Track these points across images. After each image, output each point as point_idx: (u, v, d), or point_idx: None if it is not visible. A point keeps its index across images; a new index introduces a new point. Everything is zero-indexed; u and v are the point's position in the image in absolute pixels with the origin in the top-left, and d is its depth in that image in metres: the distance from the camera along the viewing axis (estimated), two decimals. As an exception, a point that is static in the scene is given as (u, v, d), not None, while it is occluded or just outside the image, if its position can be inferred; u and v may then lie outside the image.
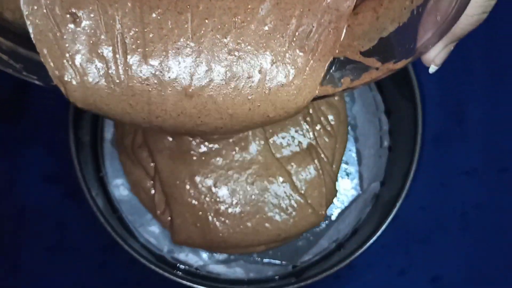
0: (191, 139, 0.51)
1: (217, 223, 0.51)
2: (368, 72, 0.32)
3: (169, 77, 0.30)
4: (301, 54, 0.31)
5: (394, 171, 0.51)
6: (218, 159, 0.51)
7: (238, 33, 0.31)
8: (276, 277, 0.51)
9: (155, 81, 0.30)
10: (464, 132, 0.54)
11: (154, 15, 0.30)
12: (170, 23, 0.30)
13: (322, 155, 0.52)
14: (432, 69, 0.31)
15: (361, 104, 0.53)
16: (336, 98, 0.53)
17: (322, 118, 0.53)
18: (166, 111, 0.31)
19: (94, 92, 0.30)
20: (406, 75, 0.48)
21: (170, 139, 0.51)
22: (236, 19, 0.30)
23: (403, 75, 0.48)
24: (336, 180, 0.52)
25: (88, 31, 0.29)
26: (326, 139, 0.52)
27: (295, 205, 0.51)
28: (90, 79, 0.30)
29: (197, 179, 0.51)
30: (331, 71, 0.32)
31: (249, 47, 0.31)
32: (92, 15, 0.29)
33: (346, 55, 0.32)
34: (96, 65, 0.30)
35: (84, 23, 0.29)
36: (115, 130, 0.52)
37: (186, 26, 0.30)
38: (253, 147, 0.52)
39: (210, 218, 0.50)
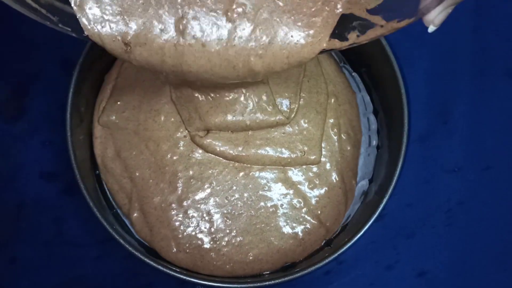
0: (174, 157, 0.48)
1: (212, 253, 0.48)
2: (373, 29, 0.34)
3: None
4: (315, 19, 0.34)
5: (382, 169, 0.52)
6: (211, 184, 0.48)
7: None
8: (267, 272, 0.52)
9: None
10: (449, 131, 0.55)
11: None
12: None
13: (348, 169, 0.51)
14: (431, 29, 0.34)
15: (351, 104, 0.55)
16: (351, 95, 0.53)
17: (348, 127, 0.52)
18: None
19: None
20: (393, 76, 0.49)
21: (149, 154, 0.49)
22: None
23: (390, 76, 0.50)
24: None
25: None
26: (349, 149, 0.51)
27: (309, 230, 0.49)
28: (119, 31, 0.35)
29: (186, 203, 0.49)
30: (339, 26, 0.35)
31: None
32: None
33: (353, 12, 0.34)
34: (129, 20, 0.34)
35: None
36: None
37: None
38: (265, 172, 0.49)
39: (203, 246, 0.48)
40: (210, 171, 0.49)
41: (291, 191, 0.50)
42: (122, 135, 0.50)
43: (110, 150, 0.50)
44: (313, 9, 0.35)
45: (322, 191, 0.50)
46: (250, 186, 0.49)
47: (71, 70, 0.47)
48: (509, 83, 0.56)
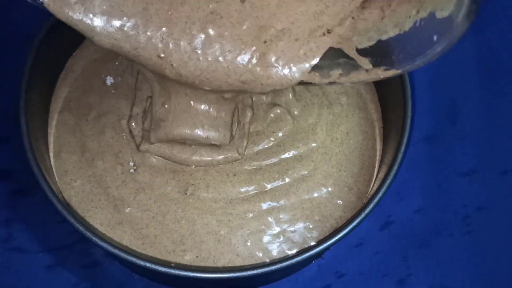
0: (117, 183, 0.40)
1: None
2: (357, 71, 0.32)
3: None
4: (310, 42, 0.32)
5: (382, 168, 0.46)
6: (183, 219, 0.40)
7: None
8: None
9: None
10: (458, 132, 0.50)
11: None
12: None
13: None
14: None
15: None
16: None
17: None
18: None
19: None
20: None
21: (87, 166, 0.40)
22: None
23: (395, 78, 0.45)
24: None
25: None
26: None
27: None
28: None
29: (145, 232, 0.40)
30: (323, 60, 0.32)
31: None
32: None
33: (342, 47, 0.32)
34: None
35: None
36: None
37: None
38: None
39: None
40: (180, 211, 0.40)
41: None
42: (64, 132, 0.42)
43: (53, 146, 0.42)
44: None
45: (350, 201, 0.41)
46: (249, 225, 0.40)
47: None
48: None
